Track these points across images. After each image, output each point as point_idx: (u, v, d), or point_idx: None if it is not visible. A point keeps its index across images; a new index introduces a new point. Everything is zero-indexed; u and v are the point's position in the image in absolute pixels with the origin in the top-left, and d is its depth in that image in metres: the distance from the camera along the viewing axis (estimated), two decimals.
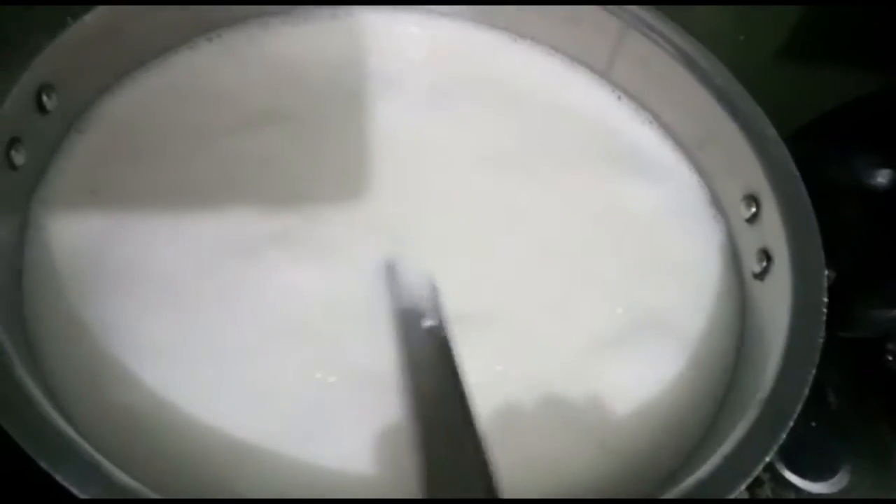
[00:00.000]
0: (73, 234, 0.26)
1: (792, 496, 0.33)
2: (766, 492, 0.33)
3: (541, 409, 0.25)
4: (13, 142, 0.25)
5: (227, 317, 0.26)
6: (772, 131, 0.30)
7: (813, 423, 0.34)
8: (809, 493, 0.33)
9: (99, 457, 0.18)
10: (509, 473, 0.22)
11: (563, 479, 0.24)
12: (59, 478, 0.18)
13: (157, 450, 0.23)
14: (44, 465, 0.18)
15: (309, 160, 0.30)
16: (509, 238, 0.29)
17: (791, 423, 0.23)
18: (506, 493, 0.21)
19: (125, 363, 0.24)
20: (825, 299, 0.25)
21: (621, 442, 0.25)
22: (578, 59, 0.35)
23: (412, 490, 0.22)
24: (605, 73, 0.35)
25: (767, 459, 0.22)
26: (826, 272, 0.26)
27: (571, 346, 0.27)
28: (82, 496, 0.17)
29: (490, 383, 0.25)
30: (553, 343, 0.27)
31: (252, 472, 0.23)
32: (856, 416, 0.35)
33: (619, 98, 0.35)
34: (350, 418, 0.24)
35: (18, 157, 0.25)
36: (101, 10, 0.28)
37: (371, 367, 0.25)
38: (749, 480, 0.22)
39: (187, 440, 0.23)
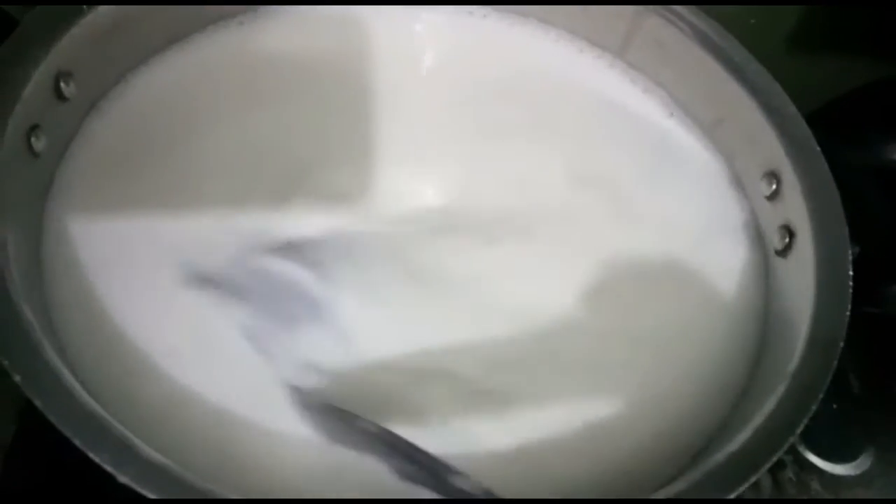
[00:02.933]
0: (91, 222, 0.26)
1: (814, 478, 0.33)
2: (789, 474, 0.33)
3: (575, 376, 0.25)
4: (33, 128, 0.25)
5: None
6: (792, 108, 0.30)
7: (835, 406, 0.34)
8: (832, 475, 0.33)
9: (134, 438, 0.18)
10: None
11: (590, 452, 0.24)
12: (95, 458, 0.17)
13: (187, 436, 0.22)
14: (79, 444, 0.18)
15: (321, 148, 0.30)
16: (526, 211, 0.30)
17: (821, 396, 0.22)
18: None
19: (147, 354, 0.24)
20: (850, 272, 0.25)
21: (648, 420, 0.25)
22: (592, 40, 0.35)
23: None
24: (619, 53, 0.35)
25: (798, 431, 0.22)
26: (851, 248, 0.26)
27: (598, 321, 0.27)
28: (120, 478, 0.17)
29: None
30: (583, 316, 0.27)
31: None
32: (878, 400, 0.35)
33: (633, 80, 0.35)
34: None
35: (38, 145, 0.25)
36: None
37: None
38: (780, 453, 0.22)
39: (213, 426, 0.23)
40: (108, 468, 0.18)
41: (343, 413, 0.23)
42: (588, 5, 0.34)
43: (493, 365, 0.26)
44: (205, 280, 0.26)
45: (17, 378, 0.18)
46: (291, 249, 0.28)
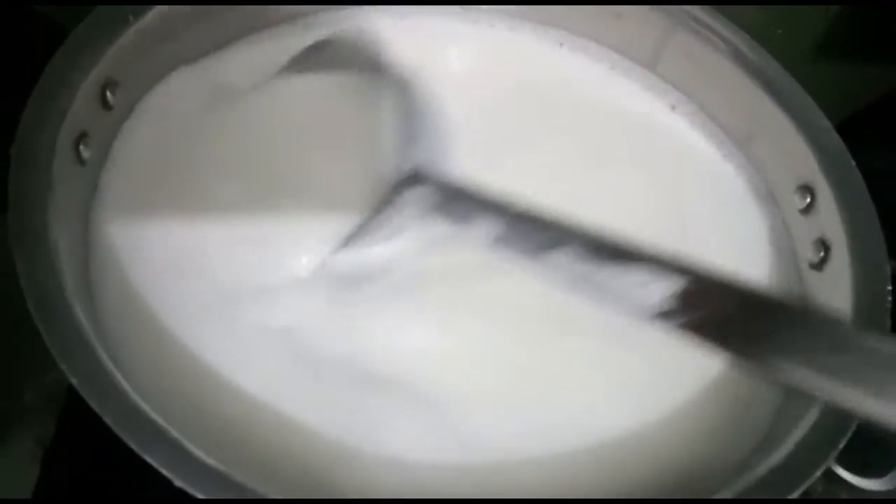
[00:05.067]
0: (134, 226, 0.27)
1: (844, 493, 0.32)
2: (818, 488, 0.32)
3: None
4: (82, 136, 0.25)
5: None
6: (825, 122, 0.30)
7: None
8: (861, 491, 0.32)
9: (187, 443, 0.19)
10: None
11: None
12: (150, 461, 0.18)
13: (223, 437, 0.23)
14: (135, 448, 0.18)
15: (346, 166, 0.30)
16: None
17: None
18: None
19: (192, 356, 0.24)
20: (889, 287, 0.25)
21: (686, 434, 0.25)
22: (622, 52, 0.35)
23: None
24: (650, 66, 0.35)
25: (838, 449, 0.22)
26: (889, 263, 0.26)
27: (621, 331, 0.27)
28: (176, 482, 0.18)
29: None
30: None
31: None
32: None
33: (664, 93, 0.35)
34: None
35: (86, 152, 0.26)
36: (161, 9, 0.28)
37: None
38: (819, 471, 0.22)
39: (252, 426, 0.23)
40: (165, 472, 0.18)
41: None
42: (619, 10, 0.34)
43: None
44: (247, 282, 0.26)
45: (75, 382, 0.19)
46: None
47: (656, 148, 0.33)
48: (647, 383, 0.26)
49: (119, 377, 0.20)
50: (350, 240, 0.27)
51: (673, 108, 0.34)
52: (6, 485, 0.29)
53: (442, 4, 0.35)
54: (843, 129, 0.33)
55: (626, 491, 0.24)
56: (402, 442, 0.24)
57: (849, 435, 0.22)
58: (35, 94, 0.24)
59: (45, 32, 0.27)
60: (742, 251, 0.30)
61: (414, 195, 0.28)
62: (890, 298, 0.25)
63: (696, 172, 0.33)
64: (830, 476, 0.32)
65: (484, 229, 0.26)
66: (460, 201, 0.28)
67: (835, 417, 0.23)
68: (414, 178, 0.29)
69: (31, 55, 0.26)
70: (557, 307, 0.26)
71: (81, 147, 0.25)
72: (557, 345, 0.27)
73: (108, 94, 0.27)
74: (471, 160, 0.32)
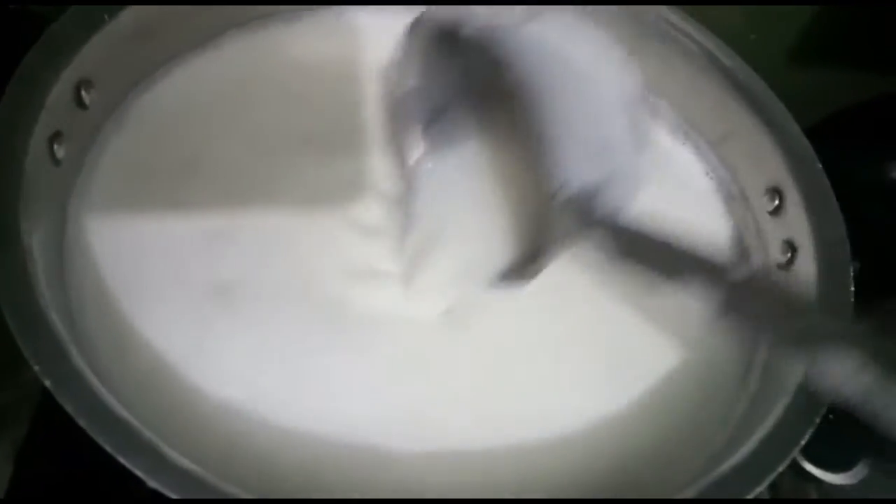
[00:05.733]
0: (110, 227, 0.27)
1: (812, 487, 0.33)
2: (786, 482, 0.33)
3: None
4: (56, 135, 0.25)
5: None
6: (794, 126, 0.31)
7: (831, 416, 0.34)
8: (829, 485, 0.33)
9: (161, 443, 0.19)
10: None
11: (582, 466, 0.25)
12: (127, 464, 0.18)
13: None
14: (110, 450, 0.18)
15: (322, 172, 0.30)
16: None
17: (825, 408, 0.23)
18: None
19: (165, 356, 0.24)
20: (852, 288, 0.26)
21: (653, 429, 0.26)
22: None
23: None
24: None
25: (800, 445, 0.23)
26: (853, 264, 0.27)
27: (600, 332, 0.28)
28: (150, 483, 0.18)
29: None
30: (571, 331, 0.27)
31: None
32: None
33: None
34: None
35: (60, 151, 0.26)
36: (136, 8, 0.28)
37: None
38: (783, 466, 0.22)
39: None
40: (139, 473, 0.18)
41: None
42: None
43: None
44: (222, 283, 0.26)
45: (48, 383, 0.19)
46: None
47: None
48: (608, 378, 0.27)
49: (93, 378, 0.20)
50: None
51: (649, 109, 0.35)
52: None
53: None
54: (813, 134, 0.34)
55: (583, 485, 0.24)
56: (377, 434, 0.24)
57: (812, 430, 0.23)
58: (8, 93, 0.24)
59: (34, 30, 0.27)
60: (714, 250, 0.31)
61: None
62: (853, 298, 0.26)
63: (672, 173, 0.33)
64: (798, 470, 0.33)
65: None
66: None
67: (798, 413, 0.23)
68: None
69: (17, 53, 0.26)
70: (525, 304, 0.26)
71: (56, 146, 0.25)
72: (522, 339, 0.27)
73: (84, 93, 0.27)
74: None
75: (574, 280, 0.27)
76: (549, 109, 0.26)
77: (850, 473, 0.34)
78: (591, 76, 0.26)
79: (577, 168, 0.25)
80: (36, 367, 0.19)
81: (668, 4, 0.33)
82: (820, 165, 0.29)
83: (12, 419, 0.30)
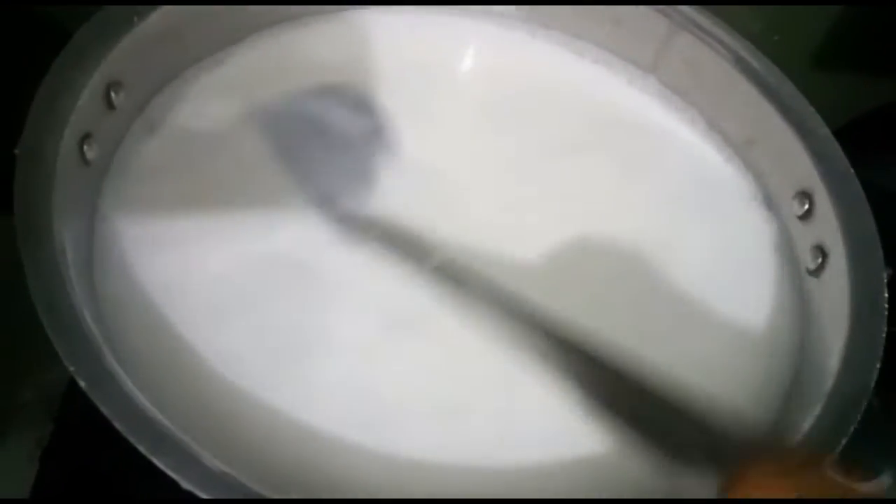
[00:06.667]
0: (138, 226, 0.27)
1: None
2: None
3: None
4: (86, 137, 0.25)
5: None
6: (824, 129, 0.30)
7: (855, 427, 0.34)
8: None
9: (193, 443, 0.19)
10: None
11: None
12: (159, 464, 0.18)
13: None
14: (143, 450, 0.18)
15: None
16: (559, 238, 0.30)
17: (859, 416, 0.23)
18: None
19: (196, 354, 0.24)
20: (886, 293, 0.26)
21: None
22: (623, 57, 0.36)
23: None
24: (650, 71, 0.35)
25: (837, 451, 0.22)
26: (886, 269, 0.26)
27: (625, 340, 0.27)
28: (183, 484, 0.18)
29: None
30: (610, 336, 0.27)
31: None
32: None
33: (665, 98, 0.35)
34: None
35: (90, 153, 0.26)
36: (165, 10, 0.28)
37: None
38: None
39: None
40: (171, 473, 0.18)
41: None
42: (619, 12, 0.34)
43: None
44: (251, 279, 0.26)
45: (83, 384, 0.19)
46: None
47: (659, 150, 0.34)
48: None
49: (126, 378, 0.20)
50: None
51: (676, 111, 0.35)
52: (5, 485, 0.29)
53: (443, 4, 0.35)
54: (839, 136, 0.34)
55: None
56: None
57: (844, 441, 0.23)
58: (39, 95, 0.24)
59: (47, 33, 0.27)
60: (743, 256, 0.31)
61: None
62: (887, 305, 0.25)
63: (700, 176, 0.33)
64: None
65: None
66: None
67: (832, 422, 0.23)
68: None
69: (32, 56, 0.26)
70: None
71: (86, 147, 0.25)
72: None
73: (113, 94, 0.27)
74: (468, 162, 0.32)
75: None
76: None
77: (873, 483, 0.33)
78: None
79: None
80: (72, 368, 0.19)
81: (690, 4, 0.33)
82: (851, 168, 0.29)
83: (36, 418, 0.30)
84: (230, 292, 0.26)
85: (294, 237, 0.28)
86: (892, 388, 0.35)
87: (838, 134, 0.38)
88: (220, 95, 0.31)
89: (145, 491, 0.26)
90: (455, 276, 0.27)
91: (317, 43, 0.34)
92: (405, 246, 0.28)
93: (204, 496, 0.18)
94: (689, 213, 0.32)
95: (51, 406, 0.30)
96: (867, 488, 0.33)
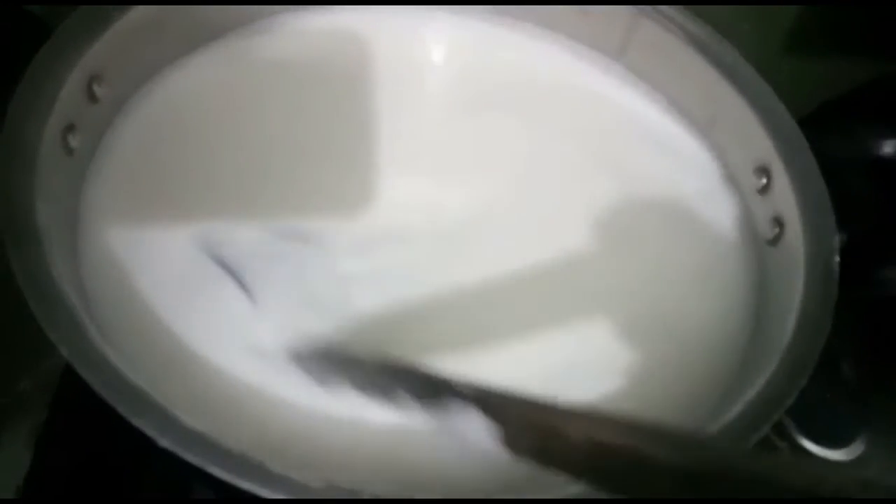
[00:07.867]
0: (120, 213, 0.28)
1: (809, 463, 0.34)
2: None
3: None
4: (69, 127, 0.26)
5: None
6: (780, 106, 0.31)
7: (828, 395, 0.35)
8: (826, 460, 0.34)
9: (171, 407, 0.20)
10: None
11: None
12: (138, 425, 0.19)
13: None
14: (123, 412, 0.19)
15: (323, 164, 0.31)
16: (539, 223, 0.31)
17: (811, 370, 0.24)
18: None
19: (179, 336, 0.25)
20: (837, 257, 0.27)
21: (647, 397, 0.27)
22: (590, 44, 0.37)
23: None
24: (617, 57, 0.37)
25: (789, 403, 0.23)
26: (837, 236, 0.28)
27: (592, 308, 0.29)
28: (160, 442, 0.19)
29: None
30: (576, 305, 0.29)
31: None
32: (870, 384, 0.36)
33: (632, 82, 0.36)
34: None
35: (73, 142, 0.27)
36: (143, 8, 0.29)
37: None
38: (771, 423, 0.23)
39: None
40: (150, 433, 0.19)
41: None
42: (586, 7, 0.35)
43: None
44: (224, 267, 0.27)
45: (65, 352, 0.20)
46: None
47: (626, 132, 0.35)
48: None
49: (107, 348, 0.21)
50: None
51: (642, 93, 0.36)
52: (2, 473, 0.30)
53: (416, 4, 0.36)
54: (808, 121, 0.35)
55: None
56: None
57: (795, 395, 0.23)
58: (22, 85, 0.25)
59: (32, 30, 0.28)
60: (706, 227, 0.32)
61: None
62: (837, 266, 0.26)
63: (665, 155, 0.34)
64: (796, 447, 0.34)
65: None
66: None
67: (787, 377, 0.24)
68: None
69: (16, 52, 0.27)
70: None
71: (69, 137, 0.26)
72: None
73: (95, 87, 0.28)
74: (440, 157, 0.33)
75: None
76: None
77: (847, 449, 0.34)
78: None
79: None
80: (52, 336, 0.20)
81: (664, 5, 0.34)
82: (806, 143, 0.30)
83: (32, 407, 0.31)
84: (213, 275, 0.27)
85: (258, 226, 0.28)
86: (865, 358, 0.36)
87: (813, 114, 0.39)
88: (202, 89, 0.32)
89: (139, 477, 0.27)
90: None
91: (299, 39, 0.34)
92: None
93: (186, 457, 0.19)
94: (657, 190, 0.33)
95: (46, 395, 0.31)
96: (840, 455, 0.34)
